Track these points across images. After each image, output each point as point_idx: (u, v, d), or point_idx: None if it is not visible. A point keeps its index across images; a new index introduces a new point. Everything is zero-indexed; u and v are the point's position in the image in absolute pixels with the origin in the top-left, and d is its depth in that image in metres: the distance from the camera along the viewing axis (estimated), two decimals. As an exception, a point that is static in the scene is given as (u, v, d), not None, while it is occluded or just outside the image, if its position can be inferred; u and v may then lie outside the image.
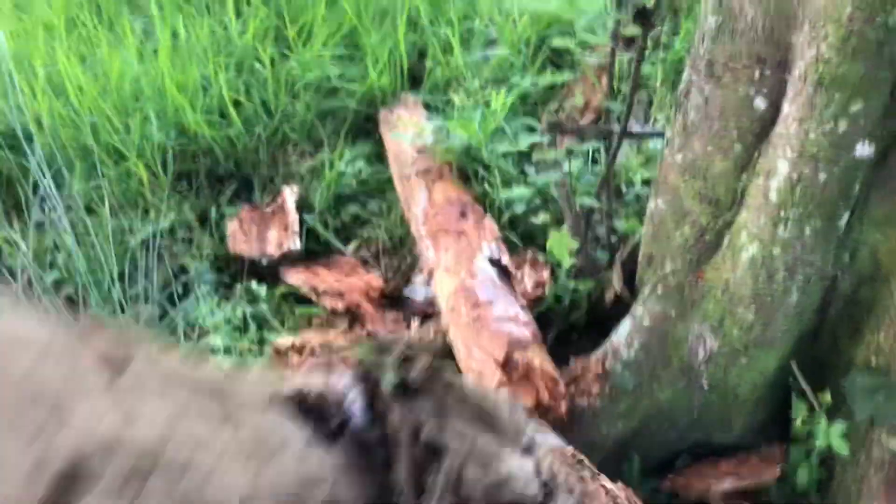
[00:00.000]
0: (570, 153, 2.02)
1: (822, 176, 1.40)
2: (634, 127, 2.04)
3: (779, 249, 1.48)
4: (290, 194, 2.66)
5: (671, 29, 2.69)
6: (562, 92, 2.75)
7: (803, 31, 1.35)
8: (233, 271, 2.54)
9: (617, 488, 1.13)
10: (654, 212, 1.74)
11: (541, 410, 1.61)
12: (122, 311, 2.32)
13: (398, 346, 0.72)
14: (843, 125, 1.34)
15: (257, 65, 2.98)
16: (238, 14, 3.12)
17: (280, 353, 2.19)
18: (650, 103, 2.55)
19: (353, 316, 2.33)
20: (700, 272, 1.65)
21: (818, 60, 1.31)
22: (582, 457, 1.17)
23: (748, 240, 1.53)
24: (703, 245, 1.64)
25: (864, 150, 1.38)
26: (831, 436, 1.55)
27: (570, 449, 1.21)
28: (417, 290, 2.39)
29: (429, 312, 2.31)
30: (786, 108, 1.42)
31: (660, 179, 1.71)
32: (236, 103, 2.87)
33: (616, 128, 1.93)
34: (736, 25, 1.45)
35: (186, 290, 2.47)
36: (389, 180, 2.72)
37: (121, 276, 2.42)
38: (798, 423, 1.60)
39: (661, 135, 1.93)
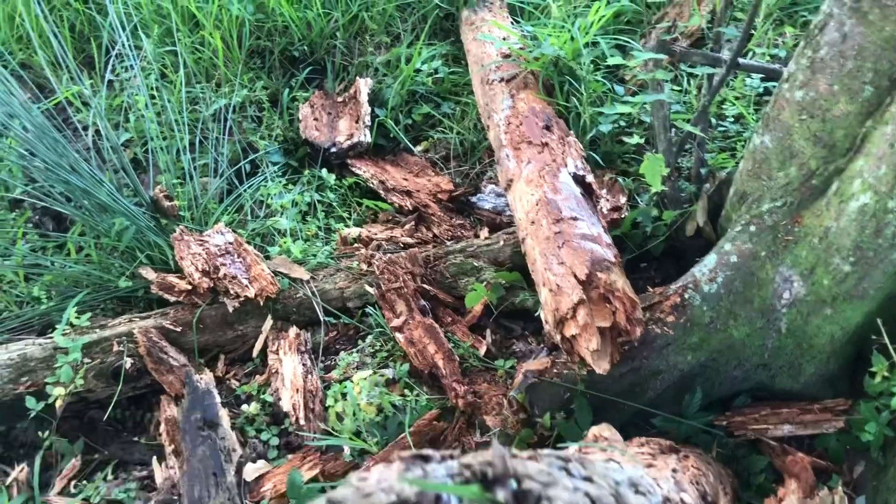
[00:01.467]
0: (675, 76, 1.94)
1: (958, 131, 1.34)
2: (741, 61, 1.95)
3: (894, 202, 1.43)
4: (363, 85, 2.61)
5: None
6: (660, 13, 2.64)
7: (972, -27, 1.27)
8: (300, 155, 2.51)
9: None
10: (758, 148, 1.68)
11: (614, 332, 1.60)
12: (191, 178, 2.31)
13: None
14: None
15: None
16: None
17: (346, 242, 2.18)
18: (750, 37, 2.44)
19: (420, 216, 2.31)
20: (799, 216, 1.60)
21: (984, 7, 1.23)
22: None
23: (861, 189, 1.47)
24: (808, 189, 1.59)
25: None
26: (907, 396, 1.53)
27: None
28: (486, 199, 2.36)
29: (497, 222, 2.29)
30: (932, 54, 1.35)
31: (771, 115, 1.65)
32: (318, -16, 2.78)
33: (726, 56, 1.85)
34: (894, -41, 1.36)
35: (255, 169, 2.45)
36: (466, 83, 2.65)
37: (191, 144, 2.40)
38: (876, 379, 1.58)
39: (774, 72, 1.85)
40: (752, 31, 2.38)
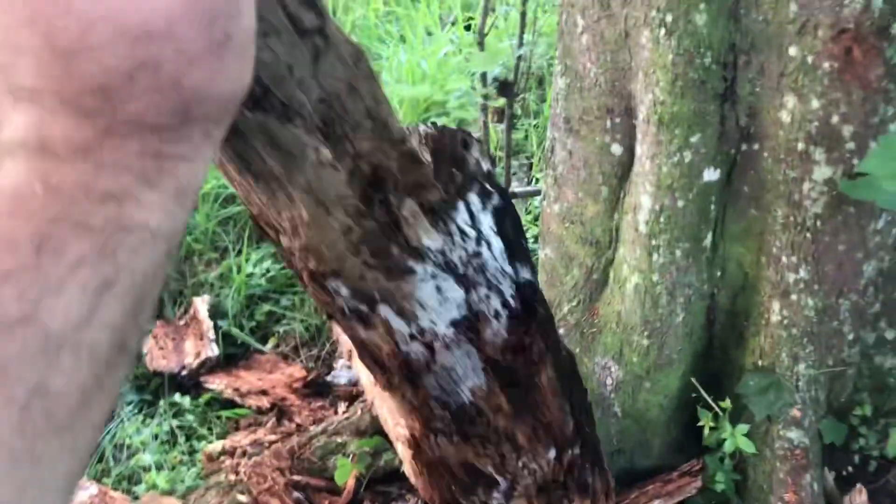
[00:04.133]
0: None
1: (681, 203, 1.56)
2: (516, 188, 2.19)
3: (657, 276, 1.63)
4: (201, 304, 2.70)
5: (538, 98, 2.90)
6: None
7: (638, 79, 1.53)
8: (154, 387, 2.54)
9: None
10: (545, 260, 1.87)
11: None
12: (45, 446, 2.29)
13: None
14: (687, 156, 1.51)
15: (153, 184, 3.04)
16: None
17: (212, 459, 2.20)
18: (531, 166, 2.73)
19: (279, 411, 2.36)
20: (594, 309, 1.78)
21: (655, 103, 1.48)
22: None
23: (629, 272, 1.67)
24: (593, 284, 1.78)
25: (711, 175, 1.55)
26: (737, 438, 1.67)
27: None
28: (341, 375, 2.45)
29: (354, 393, 2.37)
30: (638, 149, 1.59)
31: (543, 231, 1.85)
32: (137, 224, 2.91)
33: (517, 189, 2.07)
34: (582, 83, 1.62)
35: (111, 415, 2.45)
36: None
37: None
38: (706, 432, 1.72)
39: (538, 192, 2.08)
40: (524, 164, 2.66)
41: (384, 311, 0.84)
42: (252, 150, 0.66)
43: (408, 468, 1.76)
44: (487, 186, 0.85)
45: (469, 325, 0.89)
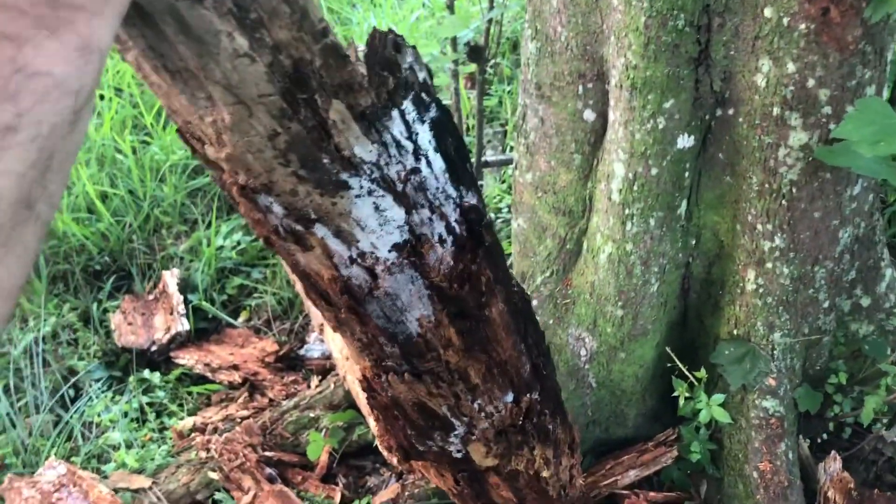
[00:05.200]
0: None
1: (654, 170, 1.52)
2: (489, 157, 2.14)
3: (631, 245, 1.60)
4: (170, 277, 2.64)
5: (513, 63, 2.83)
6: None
7: (610, 43, 1.48)
8: (124, 364, 2.50)
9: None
10: (518, 231, 1.83)
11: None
12: (13, 425, 2.24)
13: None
14: (661, 122, 1.47)
15: (119, 155, 2.96)
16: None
17: (182, 436, 2.16)
18: (505, 133, 2.67)
19: (251, 385, 2.32)
20: (567, 279, 1.74)
21: (627, 68, 1.44)
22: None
23: (603, 241, 1.63)
24: (566, 254, 1.74)
25: (685, 141, 1.51)
26: (712, 407, 1.65)
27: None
28: (314, 348, 2.41)
29: (328, 367, 2.33)
30: (611, 115, 1.54)
31: (516, 200, 1.81)
32: (104, 196, 2.84)
33: (472, 161, 2.02)
34: (553, 47, 1.57)
35: (79, 392, 2.41)
36: (270, 247, 2.74)
37: (6, 389, 2.34)
38: (681, 402, 1.70)
39: (511, 161, 2.04)
40: (498, 131, 2.61)
41: (321, 231, 0.81)
42: (165, 42, 0.63)
43: (380, 442, 1.73)
44: (424, 96, 0.81)
45: (412, 249, 0.86)
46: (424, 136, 0.82)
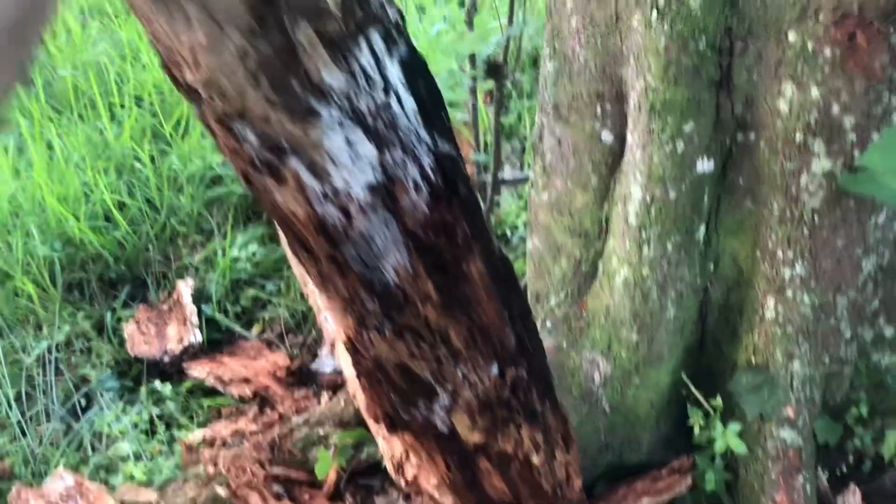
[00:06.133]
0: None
1: (673, 194, 1.49)
2: (506, 174, 2.12)
3: (647, 269, 1.56)
4: (184, 287, 2.64)
5: (533, 78, 2.82)
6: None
7: (630, 64, 1.45)
8: (136, 374, 2.49)
9: None
10: (532, 251, 1.81)
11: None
12: (24, 434, 2.25)
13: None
14: (680, 145, 1.44)
15: (137, 164, 2.97)
16: (112, 117, 3.12)
17: (191, 450, 2.15)
18: (523, 150, 2.65)
19: (262, 399, 2.31)
20: (582, 302, 1.72)
21: (647, 90, 1.41)
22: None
23: (619, 264, 1.60)
24: (581, 276, 1.71)
25: (704, 165, 1.48)
26: (728, 437, 1.62)
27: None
28: (325, 363, 2.39)
29: (339, 382, 2.32)
30: (629, 137, 1.52)
31: (532, 220, 1.78)
32: (121, 205, 2.85)
33: (489, 178, 2.01)
34: (571, 67, 1.55)
35: (90, 401, 2.41)
36: (284, 258, 2.73)
37: (17, 396, 2.35)
38: (696, 430, 1.67)
39: (527, 179, 2.01)
40: (516, 148, 2.59)
41: (294, 163, 0.84)
42: None
43: (387, 462, 1.71)
44: (394, 34, 0.85)
45: (386, 190, 0.88)
46: (394, 71, 0.85)
